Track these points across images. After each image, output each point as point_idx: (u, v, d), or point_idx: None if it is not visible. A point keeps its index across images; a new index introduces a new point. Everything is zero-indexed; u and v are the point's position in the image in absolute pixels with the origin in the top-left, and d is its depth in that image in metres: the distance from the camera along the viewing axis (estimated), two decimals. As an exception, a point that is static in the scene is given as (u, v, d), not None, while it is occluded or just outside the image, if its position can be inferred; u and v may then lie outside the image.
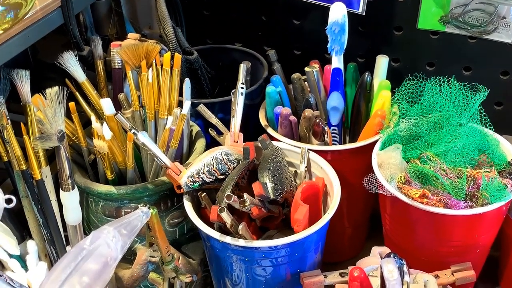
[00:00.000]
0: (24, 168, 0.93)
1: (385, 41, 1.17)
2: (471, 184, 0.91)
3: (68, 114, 0.94)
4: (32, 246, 0.96)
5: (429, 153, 0.95)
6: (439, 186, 0.92)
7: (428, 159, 0.94)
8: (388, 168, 0.96)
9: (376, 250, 0.93)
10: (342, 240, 1.18)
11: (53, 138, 0.84)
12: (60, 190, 0.90)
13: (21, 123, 0.92)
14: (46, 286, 0.65)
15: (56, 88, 0.90)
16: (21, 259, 0.96)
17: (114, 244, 0.70)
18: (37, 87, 0.96)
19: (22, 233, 1.00)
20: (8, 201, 0.75)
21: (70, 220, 0.92)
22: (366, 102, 1.10)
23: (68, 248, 0.98)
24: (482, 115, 1.00)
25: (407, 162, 0.97)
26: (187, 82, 1.04)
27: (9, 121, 0.91)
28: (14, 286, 0.76)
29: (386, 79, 1.10)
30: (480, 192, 0.90)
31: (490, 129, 1.00)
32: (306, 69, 1.11)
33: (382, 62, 1.10)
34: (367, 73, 1.07)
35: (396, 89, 1.05)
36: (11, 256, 0.95)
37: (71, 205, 0.90)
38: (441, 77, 1.01)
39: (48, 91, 0.90)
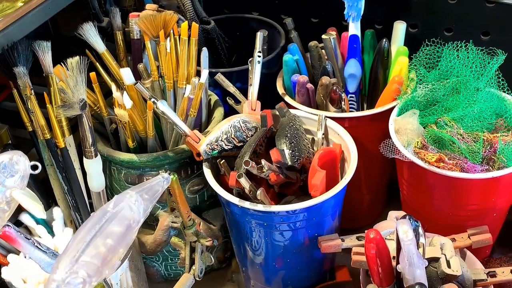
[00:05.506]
0: (48, 137, 0.96)
1: (403, 7, 1.16)
2: (488, 148, 0.91)
3: (89, 85, 0.96)
4: (58, 213, 0.99)
5: (446, 118, 0.95)
6: (456, 150, 0.93)
7: (445, 124, 0.94)
8: (405, 134, 0.96)
9: (393, 214, 0.95)
10: (360, 207, 1.19)
11: (75, 107, 0.86)
12: (84, 158, 0.92)
13: (44, 92, 0.94)
14: (72, 247, 0.67)
15: (77, 58, 0.92)
16: (48, 226, 0.99)
17: (136, 208, 0.72)
18: (58, 60, 0.98)
19: (48, 201, 1.03)
20: (34, 167, 0.77)
21: (94, 187, 0.94)
22: (383, 69, 1.10)
23: (92, 214, 1.00)
24: (500, 79, 0.99)
25: (424, 127, 0.98)
26: (204, 51, 1.05)
27: (32, 91, 0.94)
28: (42, 249, 0.79)
29: (404, 45, 1.10)
30: (496, 156, 0.90)
31: (507, 93, 1.00)
32: (323, 36, 1.11)
33: (399, 28, 1.10)
34: (384, 40, 1.07)
35: (414, 55, 1.04)
36: (38, 222, 0.98)
37: (94, 172, 0.92)
38: (459, 42, 1.00)
39: (69, 60, 0.92)
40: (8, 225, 0.76)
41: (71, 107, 0.86)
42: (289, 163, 0.94)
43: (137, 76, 1.03)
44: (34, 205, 0.76)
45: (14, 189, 0.75)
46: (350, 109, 1.13)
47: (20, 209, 0.91)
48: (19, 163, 0.75)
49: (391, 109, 1.03)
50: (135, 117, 0.99)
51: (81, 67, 0.90)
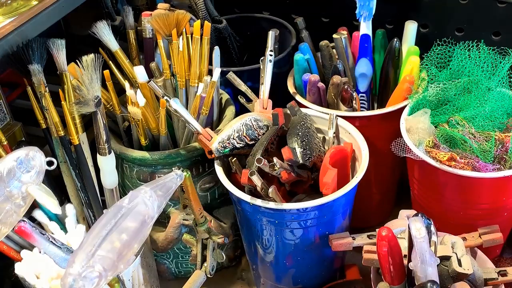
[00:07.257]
0: (62, 134, 0.96)
1: (414, 6, 1.16)
2: (499, 147, 0.91)
3: (102, 83, 0.97)
4: (70, 209, 1.00)
5: (458, 117, 0.95)
6: (467, 149, 0.93)
7: (457, 123, 0.95)
8: (416, 133, 0.96)
9: (404, 213, 0.95)
10: (370, 206, 1.20)
11: (90, 104, 0.87)
12: (97, 155, 0.93)
13: (59, 89, 0.95)
14: (88, 241, 0.67)
15: (92, 55, 0.92)
16: (60, 222, 1.00)
17: (151, 204, 0.72)
18: (69, 59, 0.99)
19: (61, 198, 1.04)
20: (50, 163, 0.78)
21: (107, 184, 0.95)
22: (394, 68, 1.10)
23: (105, 211, 1.01)
24: (511, 79, 0.99)
25: (435, 127, 0.98)
26: (216, 50, 1.05)
27: (47, 89, 0.95)
28: (56, 245, 0.80)
29: (415, 45, 1.10)
30: (508, 155, 0.90)
31: (519, 93, 1.00)
32: (334, 36, 1.11)
33: (410, 28, 1.10)
34: (395, 39, 1.07)
35: (425, 54, 1.05)
36: (50, 219, 0.99)
37: (108, 169, 0.93)
38: (470, 42, 1.01)
39: (84, 58, 0.93)
40: (24, 220, 0.77)
41: (86, 104, 0.87)
42: (301, 161, 0.94)
43: (149, 74, 1.04)
44: (49, 200, 0.77)
45: (30, 185, 0.76)
46: (361, 108, 1.13)
47: (33, 205, 0.92)
48: (35, 159, 0.75)
49: (402, 108, 1.03)
50: (148, 115, 1.00)
51: (95, 65, 0.91)
